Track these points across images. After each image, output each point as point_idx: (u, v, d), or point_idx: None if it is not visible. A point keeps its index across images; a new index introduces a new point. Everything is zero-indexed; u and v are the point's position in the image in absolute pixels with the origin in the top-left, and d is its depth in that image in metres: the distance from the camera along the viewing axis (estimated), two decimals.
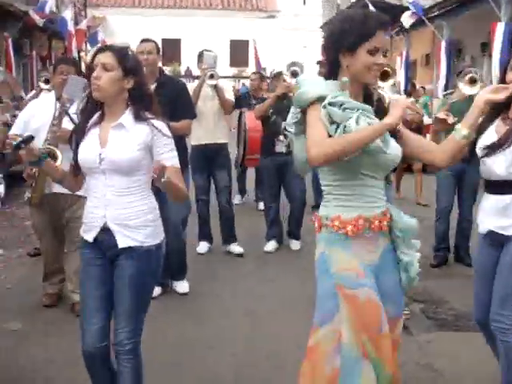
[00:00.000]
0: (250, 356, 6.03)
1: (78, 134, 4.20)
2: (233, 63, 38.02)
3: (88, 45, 26.98)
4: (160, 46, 8.09)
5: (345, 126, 3.71)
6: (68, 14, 22.70)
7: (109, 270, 4.16)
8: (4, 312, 6.76)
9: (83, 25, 25.34)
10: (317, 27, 31.09)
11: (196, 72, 12.21)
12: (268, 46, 33.76)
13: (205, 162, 9.29)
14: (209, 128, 9.02)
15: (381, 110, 4.02)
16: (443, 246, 9.35)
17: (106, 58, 4.03)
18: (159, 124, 4.13)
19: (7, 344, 6.11)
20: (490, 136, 4.81)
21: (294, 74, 9.44)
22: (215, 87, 9.28)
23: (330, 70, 3.97)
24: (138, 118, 4.09)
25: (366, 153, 3.76)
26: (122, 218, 4.09)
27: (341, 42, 3.83)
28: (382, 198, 4.02)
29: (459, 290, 8.05)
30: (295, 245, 9.61)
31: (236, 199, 12.81)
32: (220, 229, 9.69)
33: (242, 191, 13.50)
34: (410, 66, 19.59)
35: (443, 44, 17.99)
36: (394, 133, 3.98)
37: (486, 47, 17.88)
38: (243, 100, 11.72)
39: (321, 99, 3.81)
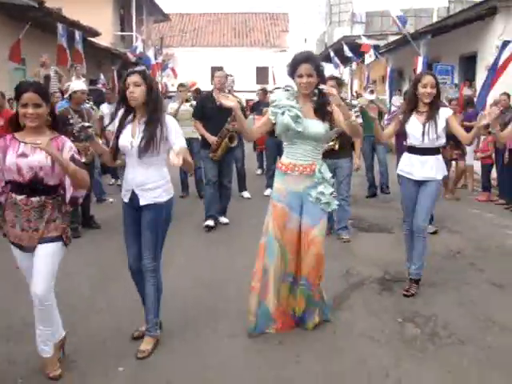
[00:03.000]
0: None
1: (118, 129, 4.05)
2: (258, 82, 37.54)
3: (161, 72, 26.00)
4: (210, 71, 8.55)
5: (277, 117, 4.21)
6: (150, 53, 22.65)
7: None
8: None
9: (160, 59, 25.10)
10: None
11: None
12: (281, 71, 34.41)
13: None
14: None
15: (321, 109, 4.23)
16: (373, 186, 10.30)
17: (136, 77, 3.88)
18: (169, 120, 4.01)
19: None
20: (414, 122, 5.14)
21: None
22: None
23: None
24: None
25: (290, 130, 4.16)
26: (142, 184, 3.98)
27: (288, 72, 4.25)
28: (310, 156, 4.23)
29: (379, 212, 8.85)
30: None
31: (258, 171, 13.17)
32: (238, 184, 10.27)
33: (261, 166, 13.34)
34: (393, 82, 19.16)
35: (389, 69, 18.41)
36: (325, 115, 4.22)
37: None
38: (255, 107, 11.75)
39: (272, 102, 4.31)
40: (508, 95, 10.14)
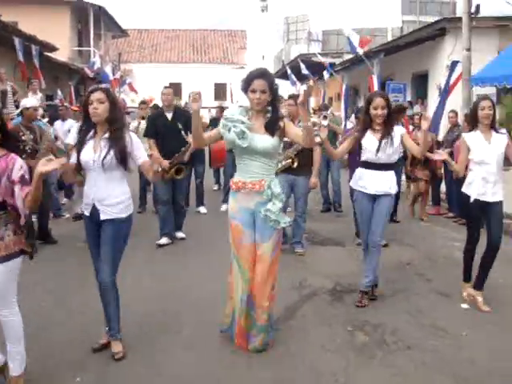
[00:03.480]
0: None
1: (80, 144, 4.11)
2: (216, 98, 37.50)
3: (119, 88, 25.15)
4: None
5: (226, 132, 4.20)
6: (108, 69, 22.21)
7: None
8: None
9: (117, 75, 24.88)
10: None
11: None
12: (239, 87, 34.51)
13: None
14: None
15: (272, 123, 4.24)
16: (327, 201, 10.52)
17: (100, 94, 3.97)
18: (133, 136, 4.13)
19: None
20: (370, 138, 5.26)
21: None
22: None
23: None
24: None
25: (236, 146, 4.20)
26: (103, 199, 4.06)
27: (242, 87, 4.24)
28: (259, 172, 4.22)
29: (332, 226, 9.06)
30: None
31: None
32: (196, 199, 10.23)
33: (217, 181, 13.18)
34: (348, 99, 19.20)
35: (344, 87, 18.65)
36: (275, 130, 4.22)
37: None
38: (212, 123, 11.41)
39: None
40: (456, 112, 10.55)
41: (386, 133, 5.23)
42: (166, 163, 7.32)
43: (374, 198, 5.35)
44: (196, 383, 3.95)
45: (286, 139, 4.59)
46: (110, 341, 4.30)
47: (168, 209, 7.78)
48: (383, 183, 5.30)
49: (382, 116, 5.20)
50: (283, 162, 6.98)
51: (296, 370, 4.11)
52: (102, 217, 4.04)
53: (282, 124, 4.28)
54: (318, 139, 6.44)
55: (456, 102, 12.88)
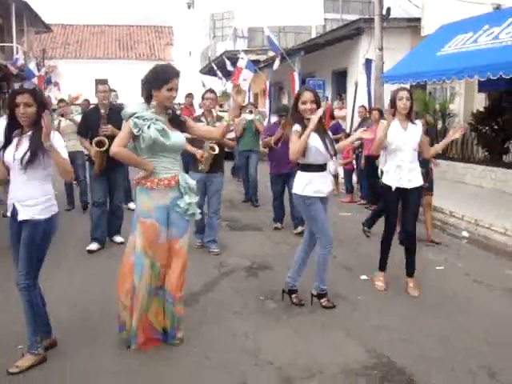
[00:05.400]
0: None
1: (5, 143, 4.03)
2: (142, 94, 37.31)
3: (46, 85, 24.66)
4: (94, 84, 8.24)
5: (142, 130, 4.13)
6: (32, 65, 22.58)
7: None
8: None
9: (42, 71, 24.28)
10: (197, 71, 32.03)
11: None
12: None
13: None
14: None
15: (174, 121, 4.35)
16: (248, 193, 10.88)
17: (26, 97, 3.87)
18: (56, 134, 4.04)
19: None
20: (315, 138, 5.05)
21: None
22: None
23: (147, 98, 4.27)
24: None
25: (155, 142, 4.15)
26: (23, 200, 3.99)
27: (153, 83, 4.19)
28: (172, 168, 4.29)
29: (251, 214, 9.69)
30: None
31: None
32: None
33: None
34: (272, 95, 19.28)
35: (268, 84, 19.24)
36: (182, 126, 4.35)
37: None
38: None
39: (133, 115, 4.18)
40: (364, 107, 11.52)
41: (323, 131, 5.19)
42: (87, 143, 7.22)
43: (323, 199, 5.29)
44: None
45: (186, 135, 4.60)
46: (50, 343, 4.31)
47: (101, 212, 7.41)
48: (328, 183, 5.36)
49: (312, 111, 5.04)
50: (205, 154, 6.94)
51: (213, 332, 4.73)
52: (20, 217, 3.99)
53: (183, 119, 4.45)
54: (232, 134, 6.94)
55: (364, 98, 14.00)
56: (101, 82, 8.08)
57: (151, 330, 4.44)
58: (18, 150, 3.92)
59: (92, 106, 8.60)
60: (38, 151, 3.87)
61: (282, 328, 4.90)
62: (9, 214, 4.08)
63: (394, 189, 5.63)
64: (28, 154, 3.86)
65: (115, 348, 4.45)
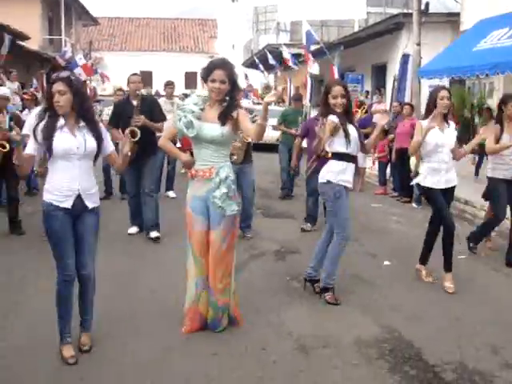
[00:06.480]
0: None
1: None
2: (187, 87, 36.47)
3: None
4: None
5: (180, 120, 4.28)
6: (79, 57, 22.80)
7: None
8: None
9: (89, 62, 24.58)
10: (239, 64, 32.40)
11: (162, 93, 12.51)
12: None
13: None
14: None
15: (224, 113, 4.29)
16: (285, 187, 10.81)
17: (60, 86, 3.82)
18: (102, 126, 4.15)
19: None
20: (353, 130, 5.13)
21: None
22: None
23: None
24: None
25: (186, 136, 4.37)
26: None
27: (203, 76, 4.31)
28: (209, 160, 4.31)
29: (286, 204, 10.10)
30: None
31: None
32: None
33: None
34: (313, 88, 19.61)
35: (308, 77, 19.46)
36: (227, 119, 4.28)
37: None
38: None
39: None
40: (400, 103, 11.72)
41: (351, 123, 5.20)
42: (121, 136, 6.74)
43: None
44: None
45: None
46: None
47: (135, 202, 7.63)
48: (352, 173, 5.35)
49: (343, 105, 5.09)
50: (238, 144, 7.00)
51: (240, 309, 4.99)
52: (90, 205, 4.03)
53: (234, 114, 4.32)
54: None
55: (401, 92, 14.12)
56: (145, 73, 8.27)
57: (197, 316, 4.56)
58: (81, 141, 3.91)
59: (122, 97, 8.65)
60: (102, 141, 4.03)
61: (304, 305, 5.31)
62: (67, 205, 3.93)
63: (437, 189, 5.68)
64: (93, 143, 3.96)
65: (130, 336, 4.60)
